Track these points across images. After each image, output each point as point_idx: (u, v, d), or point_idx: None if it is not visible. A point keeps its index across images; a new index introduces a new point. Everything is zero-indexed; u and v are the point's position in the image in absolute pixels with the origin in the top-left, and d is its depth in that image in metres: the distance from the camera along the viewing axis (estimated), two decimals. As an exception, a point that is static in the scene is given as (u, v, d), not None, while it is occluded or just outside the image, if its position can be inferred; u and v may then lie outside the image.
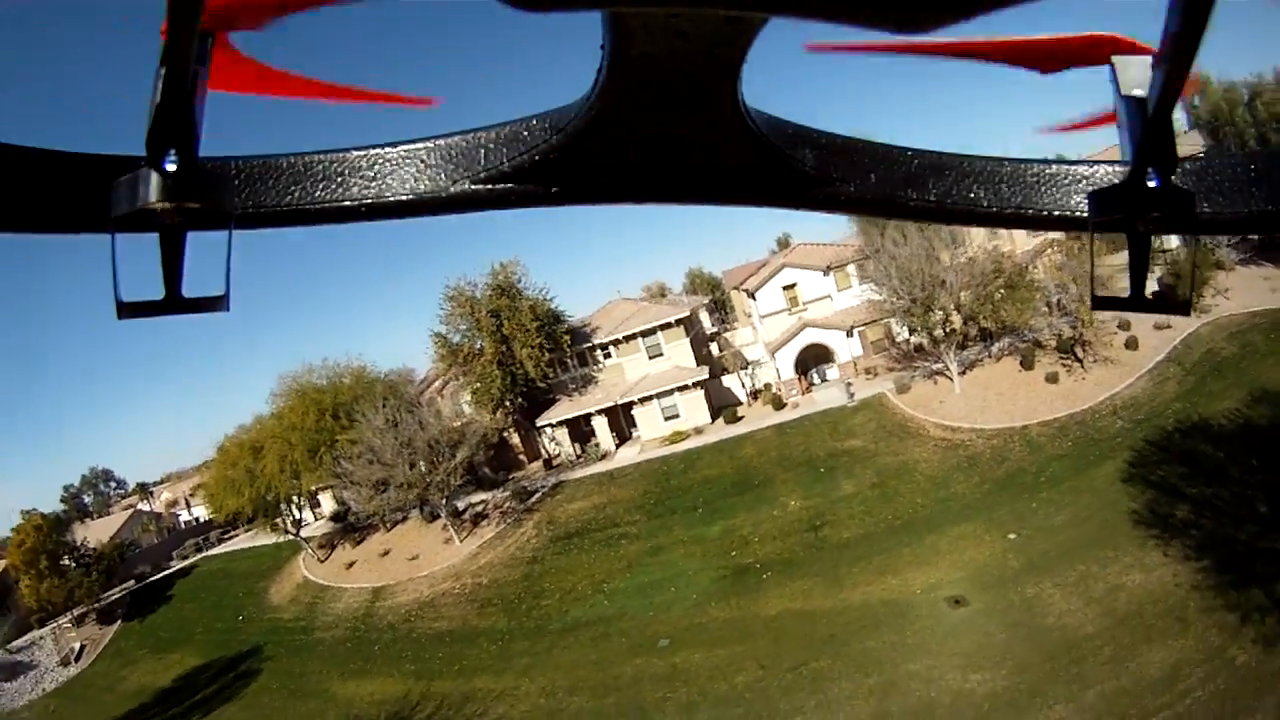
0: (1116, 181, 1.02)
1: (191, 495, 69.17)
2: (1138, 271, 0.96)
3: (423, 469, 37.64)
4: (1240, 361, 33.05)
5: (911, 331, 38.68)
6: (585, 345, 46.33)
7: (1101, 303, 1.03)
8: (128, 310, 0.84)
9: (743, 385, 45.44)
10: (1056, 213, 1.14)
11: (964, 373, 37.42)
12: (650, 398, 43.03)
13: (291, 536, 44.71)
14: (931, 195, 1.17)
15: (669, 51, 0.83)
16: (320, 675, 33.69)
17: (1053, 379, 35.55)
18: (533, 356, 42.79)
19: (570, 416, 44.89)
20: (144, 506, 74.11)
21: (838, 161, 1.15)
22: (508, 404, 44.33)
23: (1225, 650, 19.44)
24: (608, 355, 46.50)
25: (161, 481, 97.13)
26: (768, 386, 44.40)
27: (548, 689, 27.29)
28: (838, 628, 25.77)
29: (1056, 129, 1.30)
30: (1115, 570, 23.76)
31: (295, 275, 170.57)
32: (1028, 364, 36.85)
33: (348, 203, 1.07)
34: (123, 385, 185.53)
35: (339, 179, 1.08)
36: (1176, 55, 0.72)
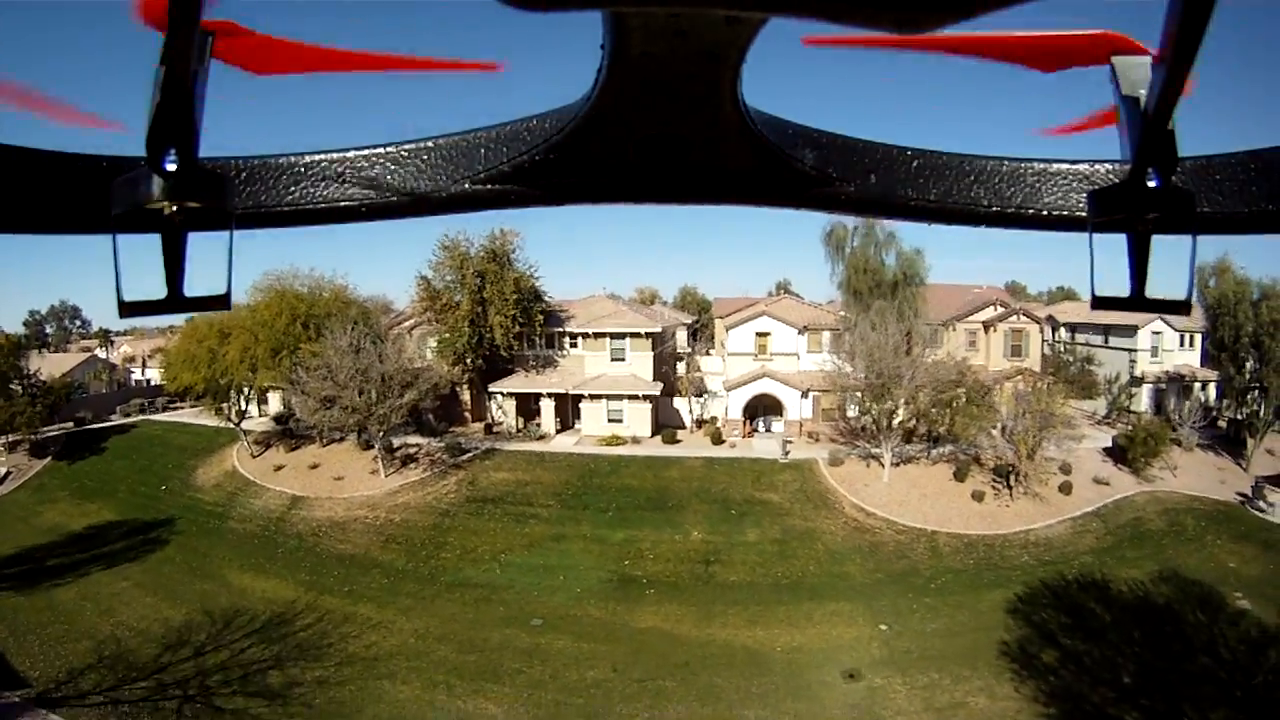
0: (1116, 181, 1.07)
1: (150, 356, 69.68)
2: (1138, 271, 0.99)
3: (371, 398, 39.15)
4: (1163, 539, 33.93)
5: (862, 412, 40.14)
6: (556, 329, 48.02)
7: (1102, 302, 1.05)
8: (130, 310, 0.88)
9: (690, 411, 47.14)
10: (1056, 212, 1.17)
11: (898, 465, 38.96)
12: (600, 397, 44.75)
13: (233, 426, 45.90)
14: (931, 195, 1.20)
15: (669, 51, 0.85)
16: (222, 562, 34.94)
17: (979, 497, 36.79)
18: (504, 325, 44.36)
19: (521, 391, 46.72)
20: (101, 354, 74.83)
21: (838, 161, 1.18)
22: (468, 361, 45.99)
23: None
24: (574, 344, 48.12)
25: (125, 333, 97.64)
26: (713, 420, 46.14)
27: (421, 632, 28.83)
28: (694, 657, 27.15)
29: (1054, 131, 1.30)
30: (965, 689, 24.83)
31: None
32: (960, 476, 38.20)
33: (348, 203, 1.12)
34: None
35: (339, 179, 1.12)
36: (1176, 56, 0.74)
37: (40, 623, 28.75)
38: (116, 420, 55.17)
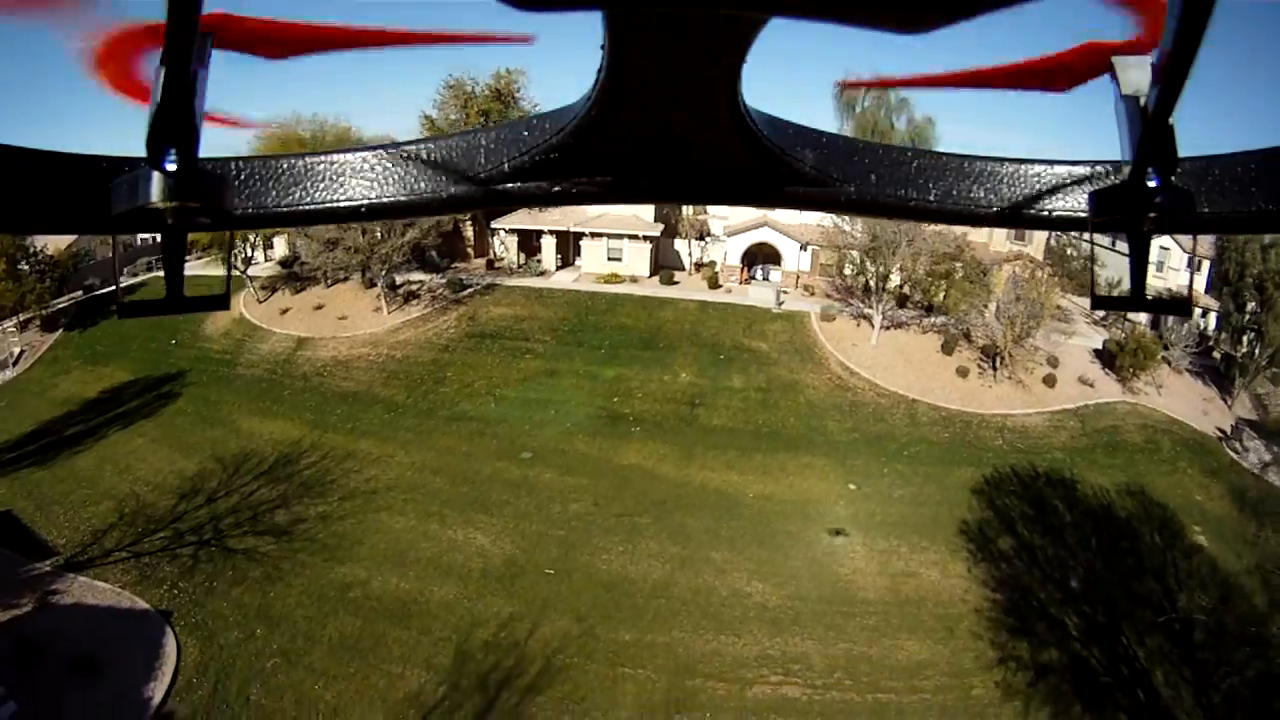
0: (1117, 181, 1.09)
1: None
2: (1138, 271, 1.03)
3: (375, 238, 39.67)
4: (1137, 454, 33.72)
5: (857, 272, 40.22)
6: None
7: (1101, 302, 1.11)
8: (129, 310, 0.95)
9: (690, 253, 47.35)
10: (1057, 212, 1.20)
11: (888, 328, 39.36)
12: (601, 235, 44.92)
13: (239, 273, 46.10)
14: (931, 195, 1.22)
15: (669, 51, 0.85)
16: (231, 408, 36.48)
17: (963, 373, 37.12)
18: (508, 162, 44.03)
19: (523, 228, 46.99)
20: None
21: (838, 161, 1.21)
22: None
23: (969, 677, 21.36)
24: (578, 185, 47.51)
25: None
26: (712, 264, 46.44)
27: (417, 465, 30.87)
28: (671, 496, 29.06)
29: (1035, 63, 1.13)
30: (920, 560, 26.02)
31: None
32: (948, 349, 38.46)
33: (348, 203, 1.14)
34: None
35: (339, 179, 1.14)
36: (1176, 56, 0.74)
37: (63, 491, 30.24)
38: (125, 282, 54.59)
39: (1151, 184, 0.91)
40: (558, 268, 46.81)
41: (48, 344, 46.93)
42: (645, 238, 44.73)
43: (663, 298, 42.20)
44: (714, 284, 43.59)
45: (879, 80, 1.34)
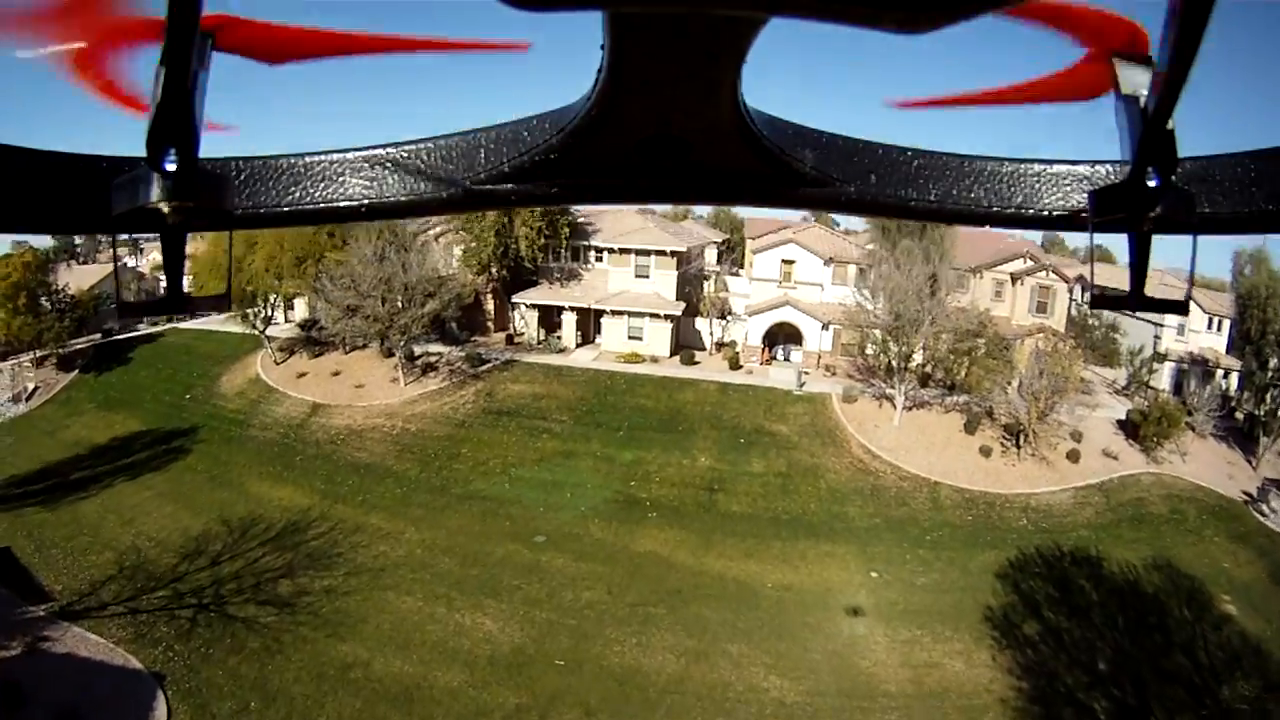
0: (1117, 181, 1.06)
1: None
2: (1138, 271, 1.01)
3: (394, 307, 39.75)
4: (1162, 525, 33.45)
5: (880, 352, 39.86)
6: (581, 243, 47.77)
7: (1101, 302, 1.09)
8: (129, 310, 0.96)
9: (711, 332, 47.25)
10: (1057, 212, 1.19)
11: (910, 408, 38.90)
12: (622, 313, 45.04)
13: (258, 333, 46.32)
14: (931, 195, 1.22)
15: (669, 51, 0.86)
16: (242, 470, 36.12)
17: (986, 452, 36.69)
18: (529, 238, 44.52)
19: (544, 303, 47.05)
20: (130, 261, 74.91)
21: (838, 161, 1.20)
22: (493, 271, 46.29)
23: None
24: (599, 259, 48.00)
25: (154, 239, 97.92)
26: (732, 344, 46.32)
27: (427, 543, 30.25)
28: (687, 585, 28.19)
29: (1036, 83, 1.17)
30: (943, 650, 25.30)
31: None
32: (970, 428, 38.03)
33: (348, 203, 1.14)
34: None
35: (339, 179, 1.14)
36: (1176, 56, 0.74)
37: (65, 536, 30.15)
38: (144, 329, 55.46)
39: (1151, 184, 0.91)
40: (578, 345, 46.73)
41: (62, 383, 47.29)
42: (666, 316, 44.74)
43: (683, 378, 41.86)
44: (735, 365, 43.31)
45: (927, 101, 1.22)
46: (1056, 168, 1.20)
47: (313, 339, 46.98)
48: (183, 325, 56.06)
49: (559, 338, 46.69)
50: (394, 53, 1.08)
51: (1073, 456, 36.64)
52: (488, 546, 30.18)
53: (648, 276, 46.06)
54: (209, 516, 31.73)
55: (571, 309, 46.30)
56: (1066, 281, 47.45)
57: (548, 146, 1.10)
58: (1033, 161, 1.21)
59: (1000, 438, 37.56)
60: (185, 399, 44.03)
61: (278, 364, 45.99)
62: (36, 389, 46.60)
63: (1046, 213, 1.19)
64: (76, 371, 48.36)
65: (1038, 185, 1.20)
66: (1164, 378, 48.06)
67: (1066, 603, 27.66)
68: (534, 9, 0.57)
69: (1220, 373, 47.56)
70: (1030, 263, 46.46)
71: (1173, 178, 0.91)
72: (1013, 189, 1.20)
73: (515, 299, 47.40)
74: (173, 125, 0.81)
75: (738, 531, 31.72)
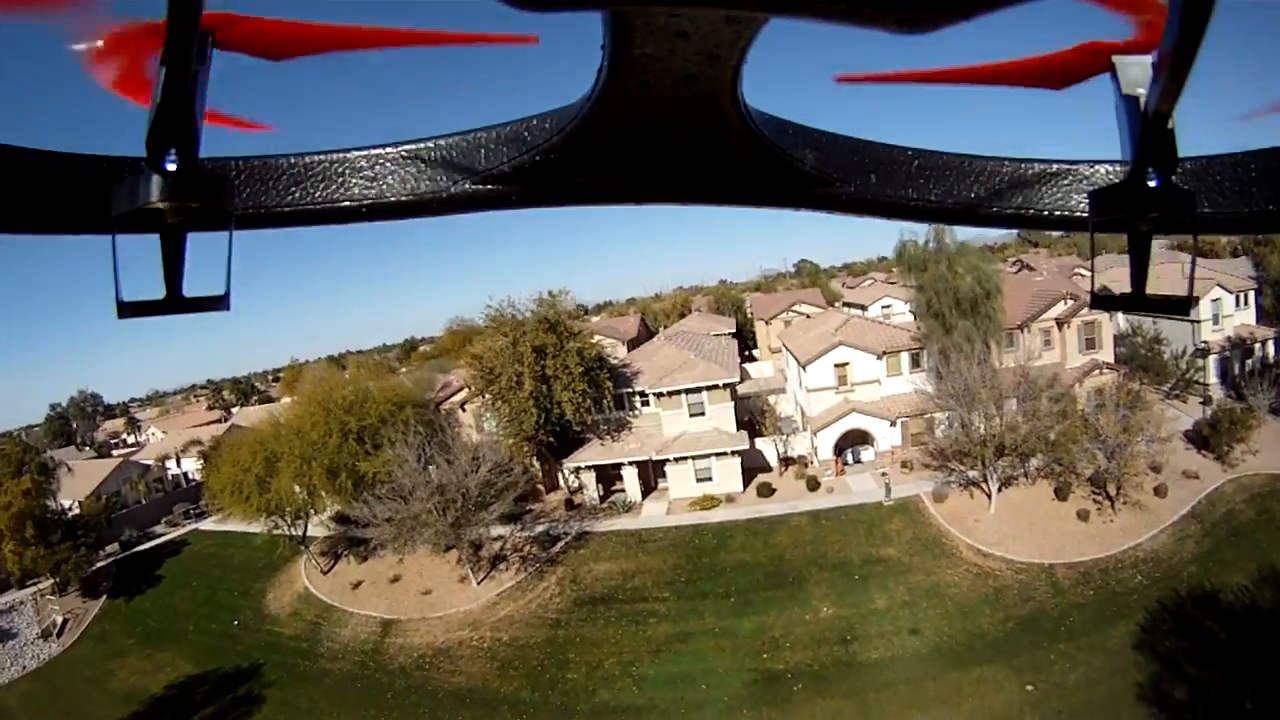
0: (1117, 181, 1.08)
1: (182, 451, 67.28)
2: (1138, 271, 1.01)
3: (455, 514, 36.97)
4: (1255, 530, 34.29)
5: (958, 445, 39.27)
6: (624, 390, 45.85)
7: (1101, 302, 1.08)
8: (129, 310, 0.88)
9: (776, 449, 46.00)
10: (1057, 213, 1.20)
11: (1000, 488, 38.56)
12: (685, 458, 43.23)
13: (289, 536, 43.21)
14: (932, 195, 1.22)
15: (669, 51, 0.86)
16: (328, 718, 33.16)
17: (1084, 516, 36.82)
18: (573, 401, 42.21)
19: (601, 463, 44.86)
20: (129, 438, 72.46)
21: (838, 161, 1.20)
22: (540, 438, 43.91)
23: None
24: (645, 403, 46.09)
25: (149, 400, 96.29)
26: (801, 460, 45.28)
27: (578, 786, 28.05)
28: None
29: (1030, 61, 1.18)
30: None
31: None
32: (1062, 494, 38.09)
33: (348, 203, 1.13)
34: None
35: (339, 179, 1.13)
36: (1177, 56, 0.75)
37: None
38: (163, 533, 53.46)
39: (1152, 184, 0.93)
40: (642, 497, 44.73)
41: (92, 613, 44.74)
42: (734, 453, 43.14)
43: (770, 517, 40.33)
44: (812, 485, 42.15)
45: (875, 76, 1.13)
46: (1056, 167, 1.20)
47: (354, 538, 43.52)
48: (203, 526, 53.42)
49: (623, 493, 44.65)
50: (399, 46, 1.04)
51: (1160, 491, 37.16)
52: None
53: (703, 414, 44.20)
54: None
55: (632, 463, 44.23)
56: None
57: (548, 146, 1.10)
58: (1033, 161, 1.20)
59: (1090, 493, 37.97)
60: (233, 625, 41.07)
61: (324, 573, 43.07)
62: (66, 622, 43.85)
63: (1046, 213, 1.20)
64: (105, 598, 45.68)
65: (1037, 185, 1.20)
66: (1210, 370, 49.36)
67: (1201, 650, 27.96)
68: (534, 9, 0.59)
69: (1258, 346, 49.51)
70: (1071, 302, 46.46)
71: (1173, 178, 0.92)
72: (1013, 189, 1.20)
73: (571, 462, 45.14)
74: (173, 125, 0.82)
75: (888, 681, 30.58)
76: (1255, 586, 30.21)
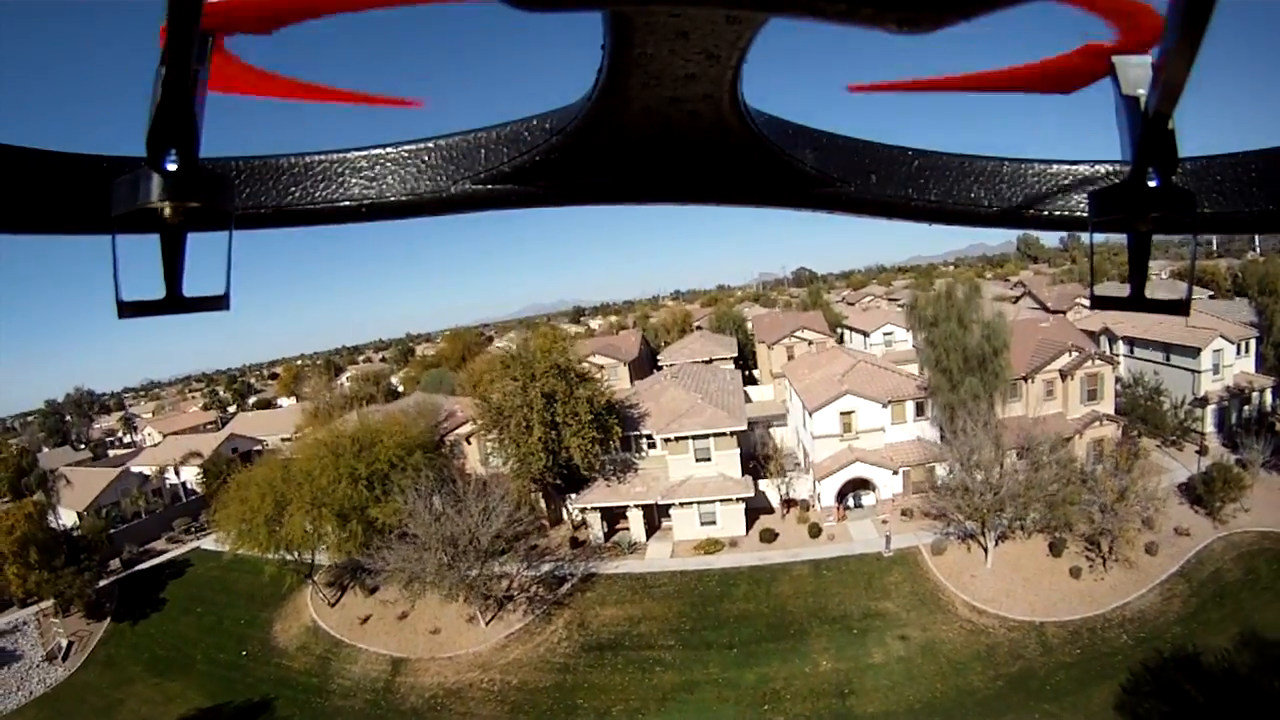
0: (1117, 181, 1.10)
1: (181, 463, 67.31)
2: (1138, 271, 1.03)
3: (467, 563, 37.87)
4: (1240, 591, 35.21)
5: (962, 508, 40.00)
6: (631, 432, 46.38)
7: (1101, 302, 1.09)
8: (129, 310, 0.91)
9: (778, 491, 47.00)
10: (1057, 213, 1.22)
11: (997, 542, 39.73)
12: (690, 503, 44.09)
13: (293, 563, 43.22)
14: (932, 195, 1.25)
15: (669, 51, 0.88)
16: None
17: (1075, 573, 37.96)
18: (582, 448, 42.83)
19: (606, 505, 45.53)
20: (125, 437, 72.27)
21: (838, 161, 1.23)
22: (546, 479, 44.75)
23: None
24: (652, 445, 46.66)
25: (143, 391, 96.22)
26: (803, 503, 46.30)
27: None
28: None
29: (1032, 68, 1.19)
30: None
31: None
32: (1056, 550, 39.22)
33: (348, 203, 1.16)
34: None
35: (339, 179, 1.16)
36: (1177, 56, 0.76)
37: None
38: (164, 550, 53.20)
39: (1152, 184, 0.94)
40: (646, 537, 45.67)
41: (97, 636, 44.86)
42: (738, 500, 44.05)
43: (773, 565, 41.43)
44: (814, 532, 43.27)
45: (886, 85, 1.19)
46: (1056, 168, 1.22)
47: (361, 567, 43.82)
48: (206, 544, 53.27)
49: (627, 532, 45.56)
50: (303, 99, 1.10)
51: (1150, 549, 38.07)
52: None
53: (709, 459, 44.87)
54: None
55: (637, 506, 45.06)
56: (1110, 363, 48.94)
57: (548, 146, 1.12)
58: (1033, 161, 1.23)
59: (1084, 550, 38.95)
60: (241, 656, 41.67)
61: (331, 605, 43.63)
62: (71, 645, 43.90)
63: (1046, 213, 1.22)
64: (109, 620, 45.76)
65: (1038, 185, 1.23)
66: (1208, 419, 49.94)
67: (1179, 716, 29.07)
68: (534, 9, 0.59)
69: (1255, 395, 49.99)
70: (1076, 353, 47.32)
71: (1173, 178, 0.93)
72: (1013, 189, 1.23)
73: (576, 504, 45.92)
74: (173, 125, 0.83)
75: (881, 736, 31.69)
76: (1235, 650, 31.14)
